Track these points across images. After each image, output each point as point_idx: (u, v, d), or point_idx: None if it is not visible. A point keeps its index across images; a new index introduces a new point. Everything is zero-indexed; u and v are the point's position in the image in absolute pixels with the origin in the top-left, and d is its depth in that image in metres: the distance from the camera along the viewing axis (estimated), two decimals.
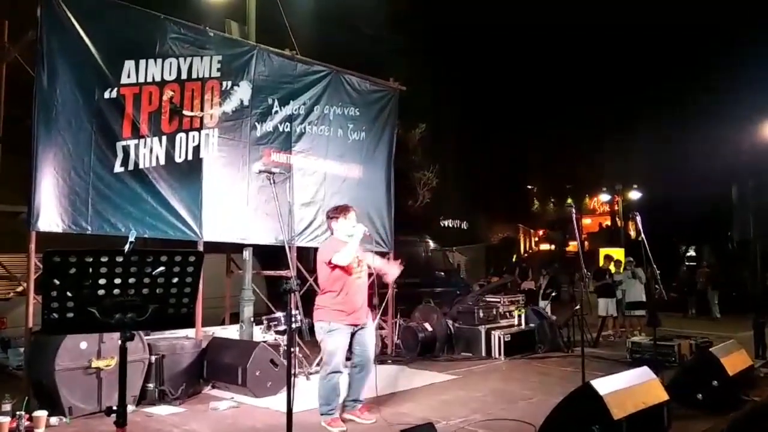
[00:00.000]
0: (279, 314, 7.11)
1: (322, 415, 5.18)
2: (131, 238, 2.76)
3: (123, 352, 2.88)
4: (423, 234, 15.89)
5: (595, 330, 10.72)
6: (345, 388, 5.39)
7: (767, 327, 8.56)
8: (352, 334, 5.27)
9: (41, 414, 5.08)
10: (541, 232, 50.00)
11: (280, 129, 7.87)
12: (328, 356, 5.18)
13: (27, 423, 4.97)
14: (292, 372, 3.99)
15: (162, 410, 5.74)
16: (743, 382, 5.92)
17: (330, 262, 5.17)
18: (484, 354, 8.88)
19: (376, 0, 17.77)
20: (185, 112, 6.88)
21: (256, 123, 7.60)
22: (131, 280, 2.77)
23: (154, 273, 2.82)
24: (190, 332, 6.72)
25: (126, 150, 6.38)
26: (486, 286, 13.13)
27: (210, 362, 6.56)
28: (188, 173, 6.88)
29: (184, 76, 6.88)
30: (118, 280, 2.75)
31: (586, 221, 51.83)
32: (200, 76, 7.04)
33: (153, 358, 5.98)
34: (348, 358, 5.40)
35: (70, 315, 2.72)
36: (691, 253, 28.28)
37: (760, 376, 7.03)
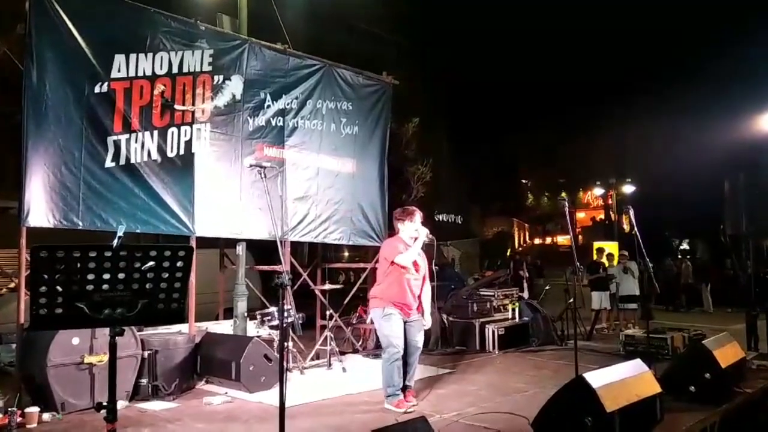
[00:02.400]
0: (272, 309, 7.10)
1: (387, 397, 5.55)
2: (120, 233, 2.74)
3: (113, 347, 2.86)
4: None
5: (589, 323, 10.75)
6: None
7: (759, 320, 8.61)
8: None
9: (33, 410, 5.06)
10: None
11: (273, 123, 7.83)
12: (387, 340, 5.55)
13: (19, 419, 4.96)
14: (286, 367, 3.98)
15: (155, 405, 5.72)
16: (735, 375, 5.94)
17: (392, 262, 5.65)
18: (478, 347, 8.90)
19: None
20: (177, 107, 6.84)
21: (249, 117, 7.56)
22: (120, 275, 2.75)
23: (143, 268, 2.80)
24: (183, 327, 6.70)
25: (117, 145, 6.33)
26: (480, 279, 13.15)
27: (203, 357, 6.55)
28: (180, 168, 6.83)
29: (175, 70, 6.83)
30: (107, 275, 2.72)
31: (580, 215, 52.04)
32: (191, 70, 6.99)
33: (146, 353, 5.96)
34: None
35: (59, 310, 2.69)
36: (685, 246, 28.41)
37: (753, 368, 7.06)
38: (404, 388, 5.66)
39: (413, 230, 5.78)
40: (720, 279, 17.18)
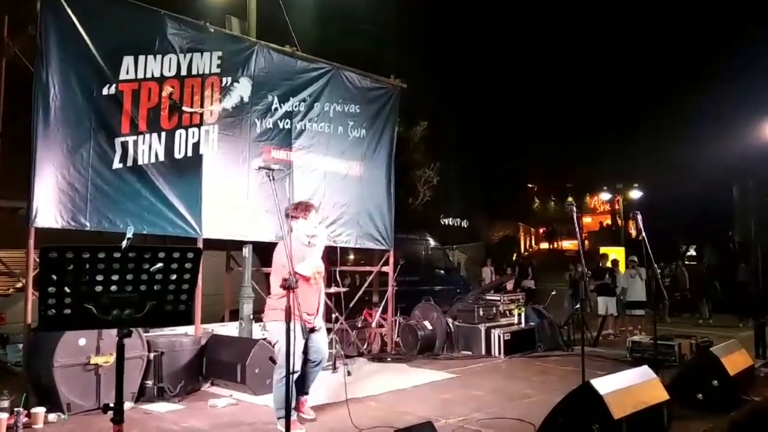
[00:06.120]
0: None
1: (278, 419, 4.89)
2: (129, 235, 2.74)
3: (120, 348, 2.86)
4: (423, 232, 15.84)
5: (596, 329, 10.69)
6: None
7: None
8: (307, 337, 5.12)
9: (39, 410, 5.07)
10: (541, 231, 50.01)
11: (281, 126, 7.85)
12: (283, 357, 4.76)
13: (25, 419, 4.96)
14: (291, 369, 3.98)
15: (161, 407, 5.72)
16: (744, 382, 5.89)
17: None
18: (483, 352, 8.86)
19: None
20: (185, 109, 6.86)
21: (256, 119, 7.57)
22: (129, 277, 2.75)
23: (152, 270, 2.80)
24: (189, 329, 6.70)
25: (125, 146, 6.36)
26: (486, 284, 13.12)
27: (209, 359, 6.55)
28: (188, 170, 6.85)
29: (183, 72, 6.85)
30: (115, 277, 2.73)
31: (587, 220, 51.88)
32: (200, 72, 7.01)
33: (152, 355, 5.96)
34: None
35: (68, 311, 2.70)
36: (692, 252, 28.25)
37: (761, 376, 7.01)
38: (299, 394, 5.19)
39: (310, 229, 5.15)
40: (732, 285, 16.58)
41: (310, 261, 5.07)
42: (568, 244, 46.10)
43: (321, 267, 5.30)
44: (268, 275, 9.15)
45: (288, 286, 4.00)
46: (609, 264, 12.17)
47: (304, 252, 5.11)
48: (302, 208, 5.28)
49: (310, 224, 5.22)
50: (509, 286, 14.08)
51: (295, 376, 4.91)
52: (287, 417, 3.80)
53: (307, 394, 5.40)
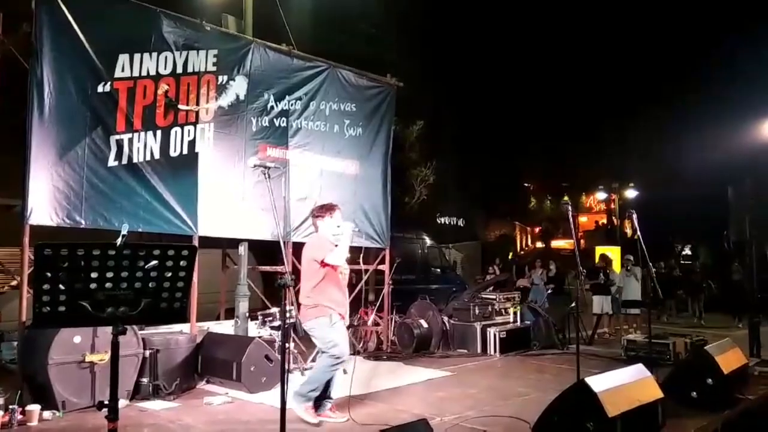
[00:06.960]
0: (274, 310, 7.09)
1: (308, 401, 5.13)
2: (123, 232, 2.74)
3: (115, 346, 2.85)
4: (419, 231, 15.84)
5: (591, 328, 10.72)
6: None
7: (762, 326, 8.58)
8: None
9: (34, 408, 5.06)
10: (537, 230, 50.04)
11: (276, 124, 7.85)
12: (338, 349, 5.13)
13: (20, 417, 4.96)
14: (287, 368, 3.98)
15: (156, 405, 5.72)
16: (738, 381, 5.92)
17: (323, 262, 5.19)
18: (479, 351, 8.88)
19: None
20: (180, 106, 6.85)
21: (252, 117, 7.57)
22: (123, 274, 2.74)
23: (146, 267, 2.79)
24: (184, 327, 6.70)
25: (120, 144, 6.34)
26: (482, 283, 13.14)
27: (205, 357, 6.55)
28: (183, 167, 6.84)
29: (179, 70, 6.84)
30: (110, 274, 2.72)
31: (582, 219, 51.91)
32: (196, 70, 7.00)
33: (147, 352, 5.96)
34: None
35: (62, 308, 2.69)
36: (687, 252, 28.34)
37: (755, 374, 7.03)
38: (323, 398, 5.28)
39: (335, 227, 5.44)
40: (698, 285, 16.27)
41: (339, 250, 5.26)
42: (562, 243, 46.10)
43: (346, 266, 5.47)
44: (264, 273, 9.23)
45: (283, 285, 3.99)
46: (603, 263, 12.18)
47: (333, 248, 5.32)
48: (327, 207, 5.56)
49: (336, 222, 5.47)
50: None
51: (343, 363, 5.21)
52: (282, 410, 3.79)
53: (331, 398, 5.36)
